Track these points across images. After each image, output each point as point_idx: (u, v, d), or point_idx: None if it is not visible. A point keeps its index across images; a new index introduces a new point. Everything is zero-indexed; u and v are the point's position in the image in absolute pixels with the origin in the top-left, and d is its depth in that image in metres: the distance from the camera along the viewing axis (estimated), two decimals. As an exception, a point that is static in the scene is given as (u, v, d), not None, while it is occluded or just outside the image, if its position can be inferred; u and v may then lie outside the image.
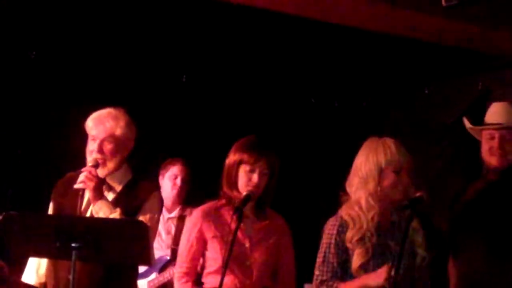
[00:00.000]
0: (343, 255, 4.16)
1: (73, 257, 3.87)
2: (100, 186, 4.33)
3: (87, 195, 4.37)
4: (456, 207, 4.76)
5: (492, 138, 4.69)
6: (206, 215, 4.40)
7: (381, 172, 4.15)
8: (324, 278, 4.18)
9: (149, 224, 4.21)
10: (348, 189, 4.27)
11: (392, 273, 3.92)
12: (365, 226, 4.12)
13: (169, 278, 5.95)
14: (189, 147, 7.10)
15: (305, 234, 4.89)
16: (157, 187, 5.00)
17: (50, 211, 4.56)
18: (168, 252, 6.08)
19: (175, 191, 6.14)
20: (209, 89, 7.33)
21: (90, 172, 4.30)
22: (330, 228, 4.22)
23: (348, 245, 4.14)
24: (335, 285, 4.15)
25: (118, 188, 4.45)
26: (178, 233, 6.12)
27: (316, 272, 4.22)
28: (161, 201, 4.57)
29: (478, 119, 4.89)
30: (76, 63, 6.72)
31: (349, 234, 4.15)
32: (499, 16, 5.71)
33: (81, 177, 4.30)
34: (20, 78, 6.62)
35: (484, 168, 4.75)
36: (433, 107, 7.15)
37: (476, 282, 4.57)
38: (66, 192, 4.50)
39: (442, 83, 7.14)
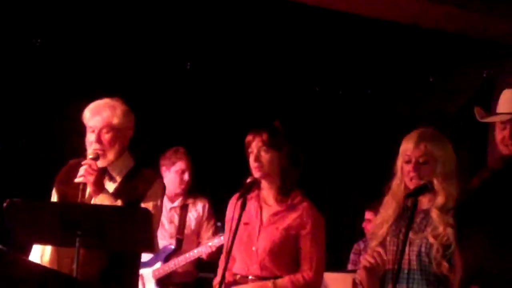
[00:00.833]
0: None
1: (76, 244, 3.87)
2: (100, 179, 4.31)
3: (89, 188, 4.37)
4: (461, 197, 4.69)
5: (504, 128, 4.50)
6: (233, 199, 4.43)
7: (401, 163, 4.18)
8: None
9: (153, 211, 4.21)
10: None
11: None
12: (385, 214, 4.16)
13: (174, 267, 5.97)
14: (193, 134, 7.10)
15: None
16: (160, 175, 4.99)
17: (53, 198, 4.57)
18: (172, 241, 6.09)
19: (183, 186, 6.16)
20: (213, 76, 7.33)
21: (90, 166, 4.28)
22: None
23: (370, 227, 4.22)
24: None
25: (119, 177, 4.45)
26: (182, 222, 6.14)
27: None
28: (163, 189, 4.56)
29: (486, 108, 4.83)
30: (81, 51, 6.72)
31: (374, 220, 4.24)
32: (502, 5, 5.70)
33: (81, 170, 4.29)
34: (24, 65, 6.63)
35: (490, 157, 4.70)
36: (437, 95, 7.15)
37: (481, 272, 4.52)
38: (69, 180, 4.49)
39: (446, 72, 7.13)
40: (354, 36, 6.68)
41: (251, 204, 4.36)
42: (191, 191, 6.17)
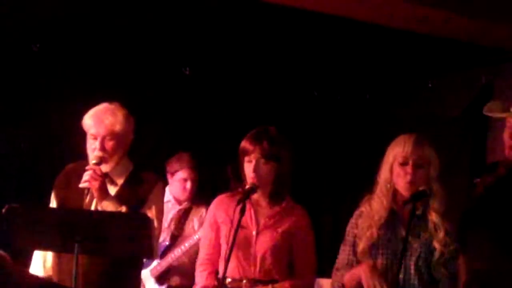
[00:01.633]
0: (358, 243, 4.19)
1: (75, 250, 3.87)
2: (105, 185, 4.32)
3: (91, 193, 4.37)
4: (466, 202, 4.64)
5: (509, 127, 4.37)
6: (220, 203, 4.47)
7: (391, 166, 4.16)
8: (339, 266, 4.23)
9: (155, 216, 4.22)
10: (375, 186, 4.29)
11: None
12: (372, 215, 4.14)
13: (170, 262, 6.00)
14: (193, 140, 7.10)
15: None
16: (160, 178, 5.00)
17: (52, 204, 4.56)
18: (166, 237, 6.11)
19: (186, 194, 6.21)
20: (212, 81, 7.33)
21: (94, 171, 4.28)
22: (353, 217, 4.30)
23: (357, 232, 4.17)
24: (343, 272, 4.18)
25: (120, 181, 4.46)
26: (183, 221, 6.18)
27: (336, 260, 4.27)
28: (164, 191, 4.58)
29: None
30: (79, 56, 6.71)
31: (359, 223, 4.20)
32: (501, 10, 5.70)
33: (86, 176, 4.29)
34: (23, 70, 6.62)
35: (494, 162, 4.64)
36: (436, 100, 7.14)
37: (486, 278, 4.48)
38: (68, 185, 4.49)
39: (445, 76, 7.12)
40: (353, 41, 6.68)
41: (234, 205, 4.33)
42: (197, 197, 6.22)
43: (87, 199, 4.39)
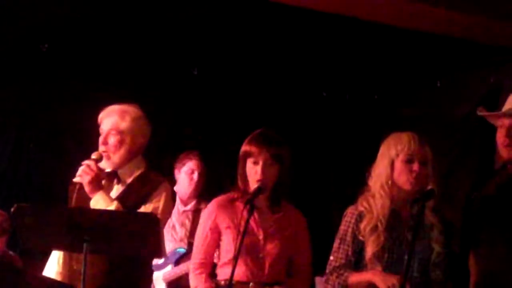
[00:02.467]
0: (359, 244, 4.16)
1: (84, 250, 3.87)
2: (97, 180, 4.31)
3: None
4: (475, 202, 4.59)
5: (502, 126, 4.36)
6: (221, 207, 4.42)
7: (392, 163, 4.15)
8: (337, 265, 4.19)
9: (156, 212, 4.21)
10: (369, 182, 4.26)
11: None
12: (376, 216, 4.12)
13: (185, 271, 5.93)
14: (201, 140, 7.11)
15: (316, 227, 4.88)
16: (165, 178, 4.99)
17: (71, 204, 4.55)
18: (181, 244, 6.06)
19: (192, 186, 6.14)
20: (220, 82, 7.34)
21: (88, 166, 4.30)
22: (349, 216, 4.24)
23: (362, 235, 4.14)
24: (345, 273, 4.15)
25: (128, 180, 4.46)
26: (194, 226, 6.11)
27: (331, 258, 4.23)
28: (170, 191, 4.56)
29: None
30: (87, 56, 6.73)
31: (362, 225, 4.16)
32: (510, 9, 5.70)
33: (79, 170, 4.31)
34: (32, 71, 6.64)
35: (496, 162, 4.62)
36: (444, 101, 7.13)
37: (496, 279, 4.45)
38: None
39: (453, 76, 7.11)
40: (361, 42, 6.68)
41: (238, 209, 4.34)
42: (204, 196, 6.14)
43: (75, 195, 4.39)
